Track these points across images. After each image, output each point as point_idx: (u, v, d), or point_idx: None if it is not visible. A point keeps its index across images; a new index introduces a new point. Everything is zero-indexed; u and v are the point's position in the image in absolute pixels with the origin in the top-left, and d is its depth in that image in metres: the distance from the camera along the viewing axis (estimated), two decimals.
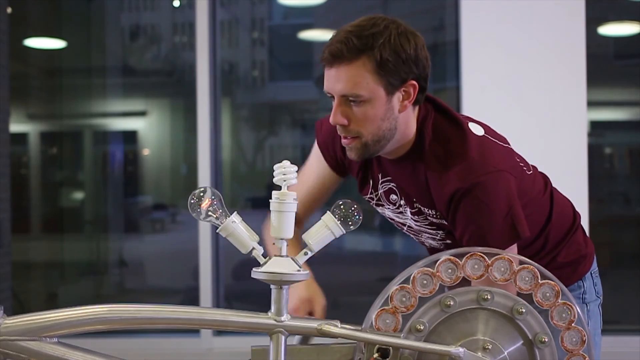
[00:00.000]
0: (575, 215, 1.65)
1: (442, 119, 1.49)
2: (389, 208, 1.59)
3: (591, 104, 3.35)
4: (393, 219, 1.62)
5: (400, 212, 1.57)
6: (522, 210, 1.44)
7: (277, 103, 4.88)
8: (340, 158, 1.62)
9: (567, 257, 1.59)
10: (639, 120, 4.46)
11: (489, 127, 1.53)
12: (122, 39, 4.87)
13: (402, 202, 1.54)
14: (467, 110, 3.26)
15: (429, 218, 1.51)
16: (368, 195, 1.62)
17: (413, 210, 1.53)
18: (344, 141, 1.46)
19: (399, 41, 1.37)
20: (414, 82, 1.41)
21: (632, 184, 4.55)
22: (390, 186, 1.56)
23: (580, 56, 3.22)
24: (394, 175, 1.53)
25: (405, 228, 1.63)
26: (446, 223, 1.47)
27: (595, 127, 4.29)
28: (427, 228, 1.55)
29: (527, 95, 3.22)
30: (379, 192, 1.58)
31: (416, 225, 1.56)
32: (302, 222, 1.65)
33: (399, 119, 1.43)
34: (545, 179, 1.64)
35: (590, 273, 1.65)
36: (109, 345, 3.13)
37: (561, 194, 1.67)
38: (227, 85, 4.65)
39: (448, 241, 1.54)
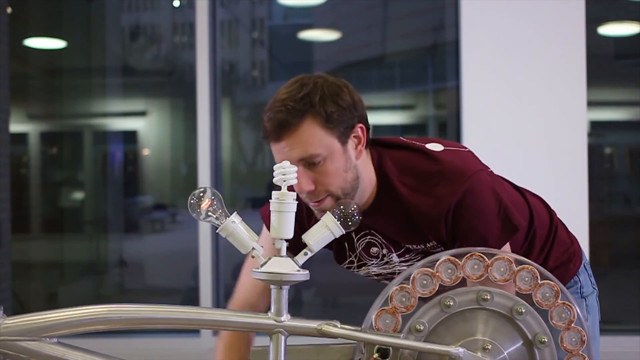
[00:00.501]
0: (551, 213, 1.64)
1: (398, 152, 1.48)
2: (373, 263, 1.56)
3: (591, 104, 3.35)
4: (381, 274, 1.58)
5: (386, 263, 1.54)
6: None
7: None
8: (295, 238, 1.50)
9: (558, 259, 1.58)
10: (639, 120, 4.46)
11: (445, 141, 1.51)
12: (122, 39, 4.87)
13: (385, 250, 1.52)
14: (467, 110, 3.26)
15: (420, 252, 1.48)
16: (347, 261, 1.58)
17: (400, 252, 1.50)
18: (313, 205, 1.43)
19: (333, 91, 1.38)
20: (360, 125, 1.41)
21: (632, 184, 4.55)
22: (367, 240, 1.53)
23: (580, 56, 3.22)
24: (371, 226, 1.50)
25: (380, 278, 1.59)
26: (439, 250, 1.45)
27: (595, 127, 4.29)
28: (415, 262, 1.51)
29: (527, 95, 3.23)
30: (357, 251, 1.55)
31: (405, 265, 1.52)
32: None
33: (359, 165, 1.43)
34: (513, 184, 1.63)
35: (584, 265, 1.65)
36: (109, 345, 3.13)
37: (531, 192, 1.66)
38: (227, 85, 4.66)
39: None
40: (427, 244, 1.46)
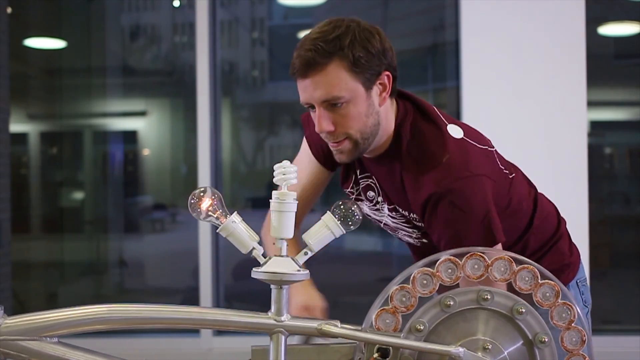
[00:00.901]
0: (560, 223, 1.63)
1: (421, 120, 1.49)
2: (367, 205, 1.60)
3: (591, 104, 3.35)
4: (370, 216, 1.63)
5: (377, 210, 1.58)
6: (501, 214, 1.44)
7: (277, 103, 4.89)
8: (328, 150, 1.60)
9: (549, 266, 1.57)
10: (639, 120, 4.46)
11: (471, 128, 1.51)
12: (122, 39, 4.87)
13: (380, 198, 1.55)
14: (467, 110, 3.26)
15: (406, 217, 1.52)
16: (349, 189, 1.63)
17: (390, 207, 1.54)
18: (332, 146, 1.45)
19: (364, 37, 1.40)
20: (387, 73, 1.43)
21: (632, 184, 4.55)
22: (368, 182, 1.57)
23: (580, 56, 3.22)
24: (372, 172, 1.55)
25: (382, 225, 1.64)
26: (420, 224, 1.48)
27: (595, 127, 4.29)
28: (403, 226, 1.55)
29: (527, 95, 3.23)
30: (359, 187, 1.60)
31: (393, 222, 1.57)
32: (300, 223, 1.65)
33: (381, 112, 1.45)
34: (529, 184, 1.63)
35: (576, 282, 1.63)
36: (109, 345, 3.13)
37: (547, 199, 1.66)
38: (227, 85, 4.66)
39: (424, 240, 1.55)
40: (411, 214, 1.49)
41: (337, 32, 1.39)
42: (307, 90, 1.41)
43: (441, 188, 1.38)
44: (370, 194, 1.57)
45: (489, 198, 1.40)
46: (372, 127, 1.44)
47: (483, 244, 1.36)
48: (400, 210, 1.51)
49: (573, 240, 1.69)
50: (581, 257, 1.70)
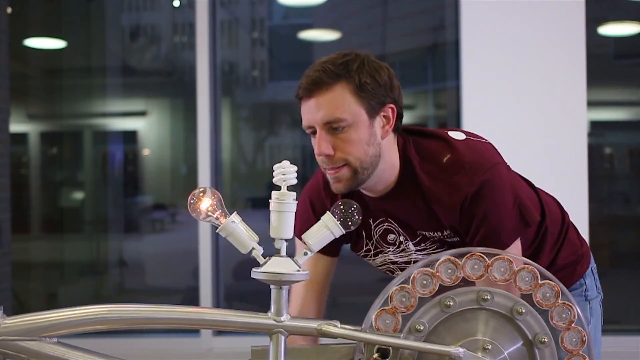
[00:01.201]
0: (564, 214, 1.65)
1: (421, 139, 1.49)
2: (390, 250, 1.57)
3: (591, 104, 3.35)
4: (396, 262, 1.59)
5: (403, 250, 1.55)
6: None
7: (277, 103, 4.89)
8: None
9: (566, 259, 1.59)
10: (639, 120, 4.46)
11: (467, 131, 1.53)
12: (122, 39, 4.87)
13: (402, 238, 1.53)
14: (467, 110, 3.26)
15: (436, 241, 1.50)
16: (364, 249, 1.59)
17: (416, 241, 1.51)
18: (330, 173, 1.44)
19: (373, 66, 1.41)
20: (392, 106, 1.43)
21: (632, 184, 4.55)
22: (385, 227, 1.54)
23: (580, 56, 3.22)
24: (388, 212, 1.52)
25: (395, 267, 1.60)
26: (454, 239, 1.47)
27: (595, 127, 4.29)
28: (433, 252, 1.53)
29: (527, 95, 3.22)
30: (374, 238, 1.56)
31: (421, 254, 1.54)
32: (320, 314, 1.63)
33: (383, 145, 1.44)
34: (528, 181, 1.64)
35: (591, 269, 1.66)
36: (109, 345, 3.14)
37: (546, 193, 1.67)
38: (227, 85, 4.66)
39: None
40: (444, 232, 1.47)
41: (346, 59, 1.41)
42: (310, 111, 1.41)
43: (473, 186, 1.39)
44: (391, 237, 1.54)
45: (512, 182, 1.44)
46: (373, 158, 1.42)
47: (518, 227, 1.40)
48: (430, 234, 1.49)
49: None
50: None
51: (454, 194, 1.40)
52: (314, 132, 1.43)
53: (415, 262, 1.57)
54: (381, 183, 1.47)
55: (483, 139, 1.52)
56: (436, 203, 1.43)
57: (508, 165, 1.51)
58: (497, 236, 1.38)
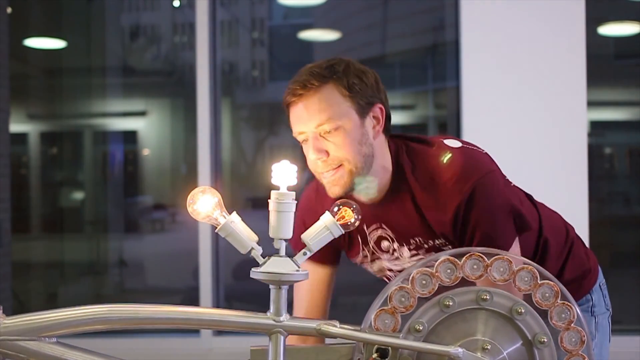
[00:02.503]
0: (568, 229, 1.63)
1: (415, 144, 1.49)
2: (385, 258, 1.56)
3: (591, 104, 3.34)
4: (392, 270, 1.58)
5: (397, 258, 1.54)
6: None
7: (277, 103, 4.88)
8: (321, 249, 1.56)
9: (573, 273, 1.57)
10: (639, 120, 4.46)
11: (464, 141, 1.51)
12: (122, 39, 4.88)
13: (396, 245, 1.52)
14: (467, 110, 3.26)
15: (430, 249, 1.49)
16: (361, 255, 1.58)
17: (411, 247, 1.50)
18: (325, 177, 1.43)
19: (359, 69, 1.42)
20: (381, 106, 1.44)
21: (632, 184, 4.55)
22: (379, 234, 1.53)
23: (580, 56, 3.21)
24: (381, 218, 1.50)
25: (392, 274, 1.59)
26: (448, 248, 1.45)
27: (595, 127, 4.29)
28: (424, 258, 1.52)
29: (527, 95, 3.22)
30: (370, 244, 1.55)
31: (415, 260, 1.52)
32: (324, 317, 1.63)
33: (375, 146, 1.44)
34: (528, 194, 1.63)
35: (599, 285, 1.63)
36: (108, 345, 3.13)
37: (549, 208, 1.66)
38: (227, 85, 4.66)
39: None
40: (436, 241, 1.46)
41: (332, 62, 1.42)
42: (301, 117, 1.41)
43: (465, 193, 1.38)
44: (385, 244, 1.53)
45: (506, 189, 1.44)
46: (366, 157, 1.42)
47: (512, 233, 1.39)
48: (424, 242, 1.48)
49: None
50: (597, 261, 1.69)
51: (445, 206, 1.40)
52: (305, 140, 1.43)
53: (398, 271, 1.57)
54: (377, 189, 1.46)
55: (480, 148, 1.50)
56: (428, 212, 1.43)
57: (504, 176, 1.50)
58: (493, 241, 1.36)
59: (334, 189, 1.44)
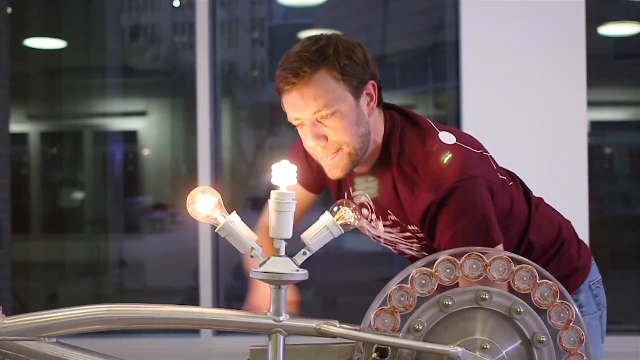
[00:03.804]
0: (562, 228, 1.61)
1: (411, 129, 1.48)
2: (364, 223, 1.59)
3: (591, 104, 3.34)
4: (369, 231, 1.61)
5: (373, 227, 1.57)
6: (504, 218, 1.43)
7: (277, 103, 4.88)
8: (316, 171, 1.60)
9: (555, 272, 1.55)
10: (639, 120, 4.46)
11: (464, 134, 1.50)
12: (122, 39, 4.88)
13: (373, 216, 1.54)
14: (467, 110, 3.26)
15: (404, 231, 1.50)
16: None
17: (386, 223, 1.52)
18: (325, 161, 1.44)
19: (347, 46, 1.41)
20: (373, 82, 1.44)
21: (632, 184, 4.55)
22: (362, 201, 1.55)
23: (580, 56, 3.22)
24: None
25: (381, 241, 1.61)
26: (421, 235, 1.46)
27: (595, 127, 4.29)
28: (401, 240, 1.53)
29: (527, 95, 3.22)
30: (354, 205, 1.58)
31: (391, 237, 1.55)
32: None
33: (370, 123, 1.44)
34: (528, 192, 1.61)
35: (588, 285, 1.61)
36: (108, 345, 3.13)
37: (549, 206, 1.64)
38: (227, 85, 4.66)
39: (424, 253, 1.52)
40: (409, 226, 1.47)
41: (320, 44, 1.40)
42: (296, 104, 1.40)
43: (439, 194, 1.36)
44: (365, 212, 1.55)
45: (486, 199, 1.38)
46: (364, 137, 1.43)
47: (482, 245, 1.35)
48: (398, 223, 1.49)
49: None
50: (592, 259, 1.67)
51: (418, 199, 1.40)
52: (301, 124, 1.43)
53: (386, 241, 1.60)
54: (362, 161, 1.48)
55: (478, 148, 1.47)
56: (404, 199, 1.44)
57: (500, 180, 1.46)
58: (455, 246, 1.33)
59: (334, 172, 1.45)
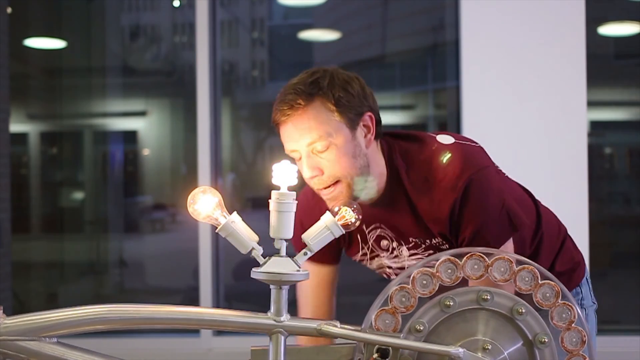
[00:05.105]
0: (560, 225, 1.65)
1: (408, 144, 1.48)
2: (384, 256, 1.57)
3: (591, 104, 3.34)
4: (391, 267, 1.59)
5: (396, 257, 1.55)
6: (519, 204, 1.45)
7: None
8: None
9: (563, 266, 1.58)
10: (639, 120, 4.46)
11: (457, 135, 1.52)
12: (122, 39, 4.87)
13: (395, 244, 1.52)
14: (467, 110, 3.26)
15: (429, 247, 1.49)
16: (360, 253, 1.59)
17: (410, 246, 1.51)
18: (324, 192, 1.43)
19: (343, 79, 1.40)
20: (370, 114, 1.43)
21: (632, 184, 4.55)
22: (378, 233, 1.54)
23: (580, 56, 3.21)
24: (380, 218, 1.51)
25: (392, 272, 1.60)
26: (445, 247, 1.46)
27: (595, 127, 4.29)
28: (424, 257, 1.52)
29: (527, 95, 3.22)
30: (370, 243, 1.56)
31: (415, 259, 1.53)
32: (331, 316, 1.65)
33: (369, 154, 1.44)
34: (526, 190, 1.64)
35: (586, 279, 1.66)
36: (109, 345, 3.13)
37: (543, 205, 1.67)
38: (227, 85, 4.65)
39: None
40: (434, 240, 1.47)
41: (315, 76, 1.40)
42: (291, 136, 1.40)
43: (459, 191, 1.38)
44: (384, 243, 1.54)
45: (501, 185, 1.43)
46: (362, 169, 1.42)
47: (504, 231, 1.38)
48: (422, 241, 1.48)
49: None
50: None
51: (440, 205, 1.40)
52: (299, 158, 1.42)
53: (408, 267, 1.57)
54: (372, 191, 1.47)
55: (473, 142, 1.50)
56: (424, 212, 1.43)
57: (500, 170, 1.50)
58: (482, 238, 1.37)
59: (333, 204, 1.41)
